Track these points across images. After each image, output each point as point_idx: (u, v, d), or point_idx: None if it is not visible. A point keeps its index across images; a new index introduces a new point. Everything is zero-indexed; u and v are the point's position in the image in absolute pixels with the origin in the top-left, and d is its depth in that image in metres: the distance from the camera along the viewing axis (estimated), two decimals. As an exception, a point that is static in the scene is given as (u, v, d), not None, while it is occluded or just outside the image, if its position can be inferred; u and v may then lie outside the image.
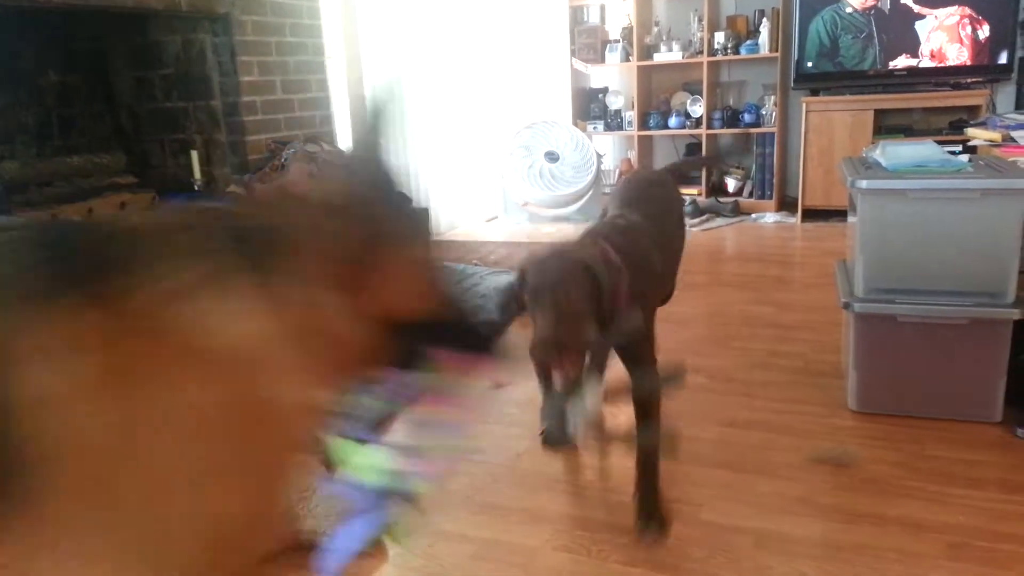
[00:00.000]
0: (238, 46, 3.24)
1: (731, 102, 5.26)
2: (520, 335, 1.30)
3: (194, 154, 3.15)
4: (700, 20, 5.06)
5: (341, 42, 4.24)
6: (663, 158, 5.64)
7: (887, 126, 4.65)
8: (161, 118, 3.34)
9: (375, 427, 1.36)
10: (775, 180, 5.02)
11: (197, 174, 3.14)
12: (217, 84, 3.25)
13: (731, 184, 5.22)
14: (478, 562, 1.59)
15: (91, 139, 3.27)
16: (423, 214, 3.79)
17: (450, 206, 5.20)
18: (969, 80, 4.50)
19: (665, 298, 2.17)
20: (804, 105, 4.66)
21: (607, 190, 5.50)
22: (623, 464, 1.96)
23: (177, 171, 3.32)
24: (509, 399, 2.39)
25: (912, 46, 4.55)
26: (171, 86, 3.29)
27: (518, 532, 1.69)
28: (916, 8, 4.49)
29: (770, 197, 5.05)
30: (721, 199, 5.11)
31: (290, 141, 3.46)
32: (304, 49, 3.60)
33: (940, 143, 2.51)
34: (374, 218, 0.84)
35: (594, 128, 5.50)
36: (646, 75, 5.37)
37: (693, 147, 5.39)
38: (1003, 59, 4.41)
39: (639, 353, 1.71)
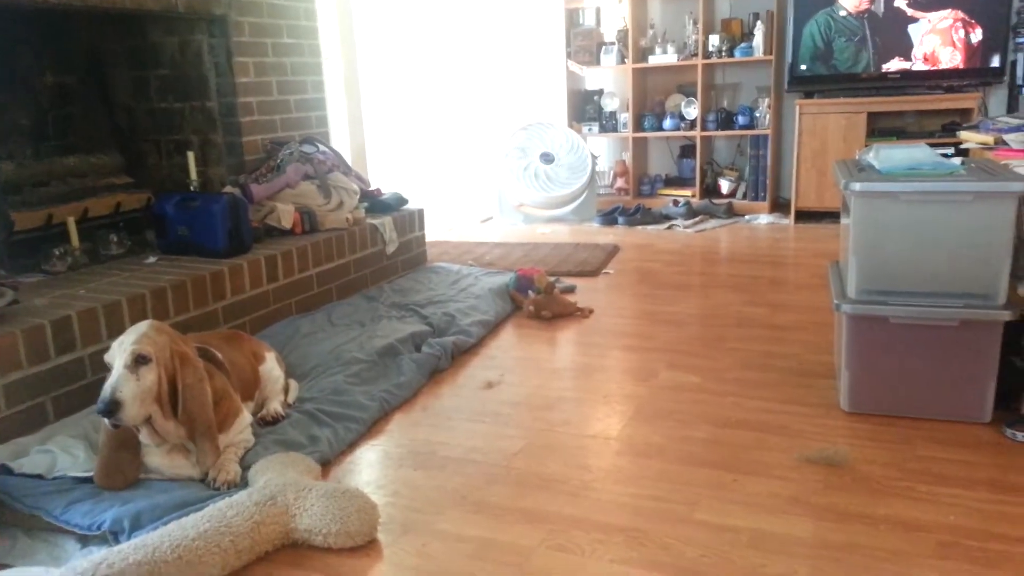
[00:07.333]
0: (234, 47, 3.24)
1: (725, 104, 5.28)
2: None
3: (190, 155, 3.15)
4: (695, 23, 5.09)
5: (337, 43, 4.25)
6: (658, 160, 5.66)
7: (880, 129, 4.68)
8: (157, 119, 3.34)
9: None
10: (768, 182, 5.05)
11: (193, 175, 3.14)
12: (214, 85, 3.26)
13: (725, 186, 5.24)
14: (473, 561, 1.60)
15: (87, 139, 3.27)
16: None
17: (445, 207, 5.23)
18: (961, 83, 4.53)
19: None
20: (798, 107, 4.68)
21: (601, 191, 5.52)
22: (618, 464, 1.97)
23: (173, 171, 3.33)
24: (501, 399, 2.40)
25: (905, 49, 4.58)
26: (167, 87, 3.30)
27: (513, 532, 1.70)
28: (909, 11, 4.52)
29: (763, 199, 5.08)
30: (715, 201, 5.13)
31: (286, 142, 3.47)
32: (300, 50, 3.60)
33: (933, 146, 2.52)
34: None
35: (589, 130, 5.52)
36: (641, 77, 5.39)
37: (687, 149, 5.42)
38: (995, 62, 4.44)
39: None
